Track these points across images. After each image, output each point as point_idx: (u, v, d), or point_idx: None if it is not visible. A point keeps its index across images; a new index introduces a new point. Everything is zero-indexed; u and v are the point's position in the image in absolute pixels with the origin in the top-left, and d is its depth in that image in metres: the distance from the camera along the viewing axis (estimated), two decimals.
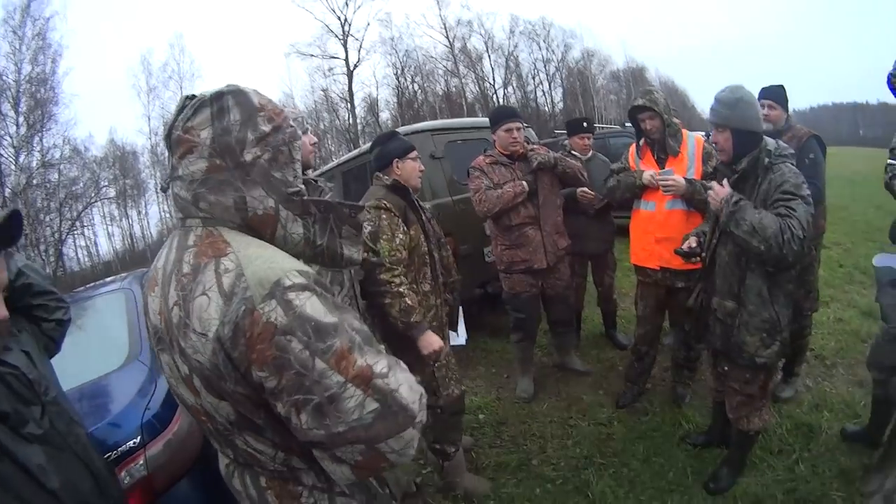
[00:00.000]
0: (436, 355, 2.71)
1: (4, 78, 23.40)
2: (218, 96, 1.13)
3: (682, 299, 3.06)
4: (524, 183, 3.74)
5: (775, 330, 2.46)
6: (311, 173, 2.50)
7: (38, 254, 23.61)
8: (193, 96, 1.15)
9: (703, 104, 36.61)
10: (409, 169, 2.89)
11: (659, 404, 3.71)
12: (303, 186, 1.21)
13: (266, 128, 1.14)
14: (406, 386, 1.07)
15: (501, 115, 3.91)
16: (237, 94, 1.14)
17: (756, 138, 2.46)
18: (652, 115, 3.30)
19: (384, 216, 2.69)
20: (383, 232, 2.66)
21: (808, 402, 3.51)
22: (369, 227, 2.66)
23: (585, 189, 4.28)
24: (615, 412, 3.73)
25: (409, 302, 2.63)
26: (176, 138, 1.12)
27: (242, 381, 1.01)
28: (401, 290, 2.63)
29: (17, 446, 1.35)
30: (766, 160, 2.43)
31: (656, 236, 3.37)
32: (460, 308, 3.35)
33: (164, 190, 1.26)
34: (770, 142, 2.48)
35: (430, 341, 2.68)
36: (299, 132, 1.27)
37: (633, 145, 3.61)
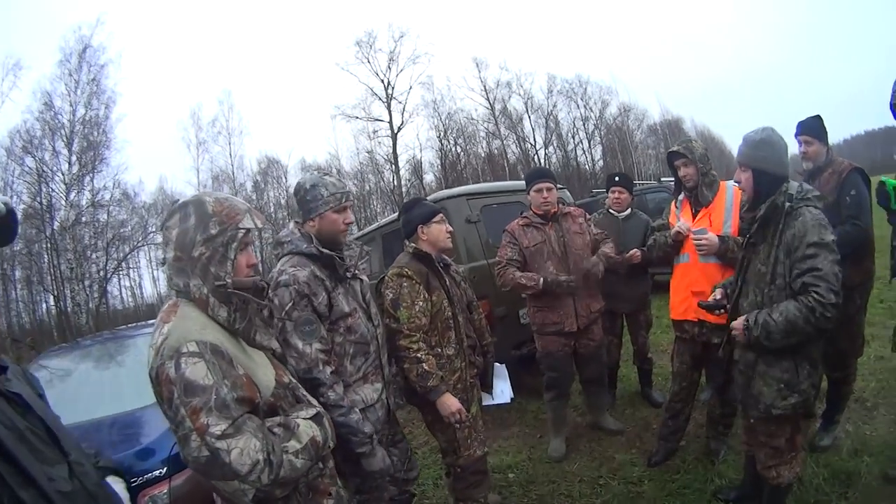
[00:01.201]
0: (454, 417, 2.78)
1: (59, 117, 24.38)
2: (184, 205, 1.62)
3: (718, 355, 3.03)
4: (540, 280, 3.81)
5: (794, 382, 2.41)
6: (350, 239, 2.64)
7: (83, 288, 24.05)
8: (176, 201, 1.68)
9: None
10: (436, 232, 3.00)
11: (692, 461, 3.66)
12: (230, 280, 1.59)
13: (214, 231, 1.58)
14: (238, 451, 1.39)
15: (533, 176, 4.07)
16: (197, 205, 1.61)
17: (777, 181, 2.47)
18: (686, 161, 3.37)
19: (405, 284, 2.80)
20: (403, 300, 2.77)
21: (846, 448, 3.42)
22: (391, 295, 2.79)
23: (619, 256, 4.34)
24: (647, 470, 3.69)
25: (427, 367, 2.73)
26: (161, 233, 1.64)
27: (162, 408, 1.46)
28: (419, 355, 2.73)
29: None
30: (787, 204, 2.40)
31: (693, 289, 3.35)
32: (504, 367, 3.44)
33: (161, 265, 1.66)
34: (793, 185, 2.47)
35: (448, 404, 2.78)
36: (245, 228, 1.67)
37: (674, 201, 3.66)
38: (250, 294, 1.66)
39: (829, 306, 2.20)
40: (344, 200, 2.50)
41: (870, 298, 3.59)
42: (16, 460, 1.32)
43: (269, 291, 2.25)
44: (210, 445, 1.37)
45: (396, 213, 7.04)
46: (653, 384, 5.01)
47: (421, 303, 2.80)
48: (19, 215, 1.56)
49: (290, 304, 2.27)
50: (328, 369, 2.28)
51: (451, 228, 3.10)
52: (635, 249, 4.41)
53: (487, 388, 3.34)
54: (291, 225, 2.57)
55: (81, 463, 1.51)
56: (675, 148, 3.43)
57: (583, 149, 41.93)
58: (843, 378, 3.47)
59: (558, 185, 4.30)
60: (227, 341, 1.56)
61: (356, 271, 2.61)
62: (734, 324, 2.51)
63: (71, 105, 24.66)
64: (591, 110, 41.75)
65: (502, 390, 3.47)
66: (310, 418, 1.69)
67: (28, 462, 1.34)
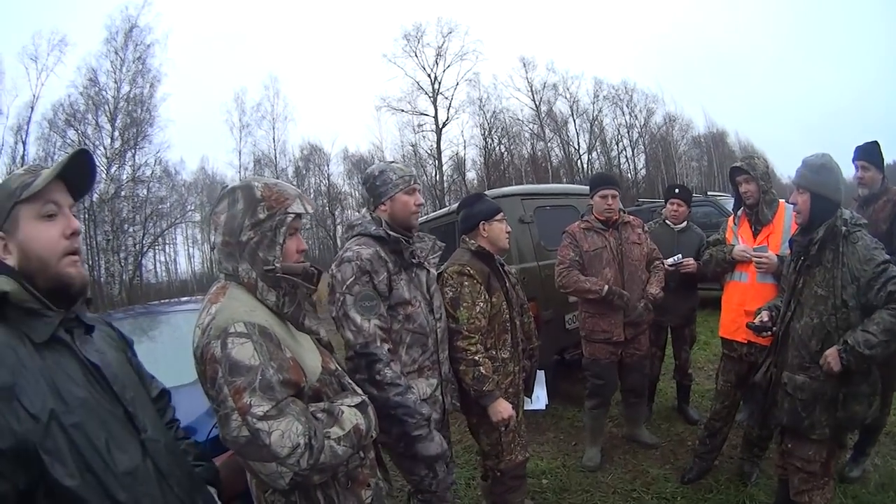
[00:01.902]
0: (504, 423, 2.76)
1: (104, 93, 25.09)
2: (233, 190, 1.64)
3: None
4: (605, 287, 3.80)
5: (875, 391, 2.52)
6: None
7: (118, 260, 24.80)
8: (225, 186, 1.71)
9: (782, 167, 35.08)
10: (497, 231, 2.95)
11: (724, 481, 3.65)
12: (279, 265, 1.60)
13: (262, 215, 1.59)
14: (279, 433, 1.38)
15: (599, 182, 4.08)
16: (245, 189, 1.62)
17: (832, 206, 2.52)
18: (748, 178, 3.33)
19: (466, 283, 2.75)
20: (464, 299, 2.72)
21: (874, 482, 3.41)
22: (451, 293, 2.74)
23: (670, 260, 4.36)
24: (680, 487, 3.69)
25: (483, 371, 2.68)
26: (209, 218, 1.67)
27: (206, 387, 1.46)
28: (476, 358, 2.68)
29: None
30: (844, 228, 2.46)
31: (747, 309, 3.28)
32: (542, 374, 3.43)
33: (211, 249, 1.71)
34: (845, 211, 2.53)
35: (500, 409, 2.73)
36: (294, 213, 1.67)
37: (732, 217, 3.65)
38: (300, 279, 1.64)
39: None
40: (413, 182, 2.52)
41: None
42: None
43: (333, 267, 2.32)
44: (251, 426, 1.37)
45: (445, 209, 7.09)
46: (690, 401, 4.99)
47: (481, 304, 2.76)
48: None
49: (351, 279, 2.26)
50: (385, 346, 2.26)
51: (510, 229, 3.05)
52: (690, 258, 4.38)
53: (529, 392, 3.31)
54: (364, 210, 2.58)
55: (157, 440, 1.42)
56: (737, 164, 3.40)
57: (626, 157, 41.49)
58: (879, 410, 3.42)
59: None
60: (275, 324, 1.55)
61: (425, 262, 2.59)
62: (828, 354, 2.45)
63: (115, 82, 25.43)
64: (637, 118, 41.20)
65: (538, 396, 3.48)
66: (354, 406, 1.66)
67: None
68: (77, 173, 1.36)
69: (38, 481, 1.13)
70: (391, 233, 2.41)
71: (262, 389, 1.40)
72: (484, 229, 2.95)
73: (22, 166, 1.53)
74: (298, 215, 1.67)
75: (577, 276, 3.91)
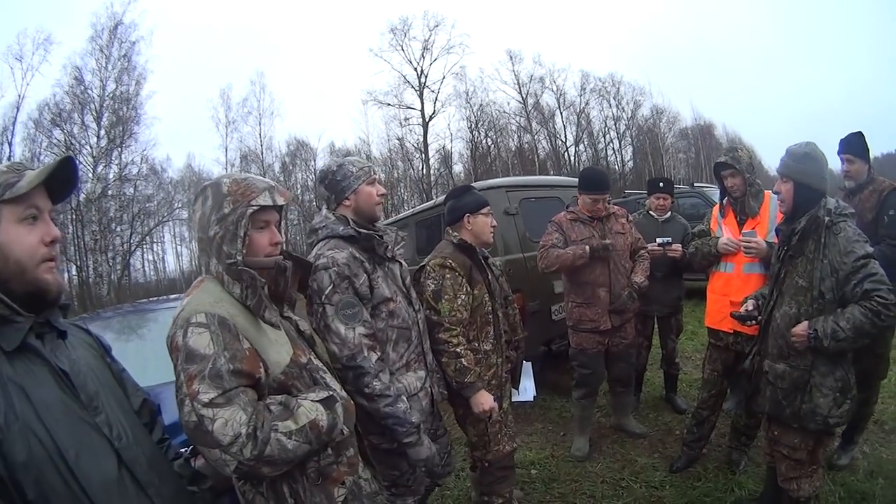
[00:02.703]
0: (486, 414, 2.75)
1: (90, 92, 24.82)
2: (205, 188, 1.69)
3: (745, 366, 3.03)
4: (587, 248, 3.81)
5: (847, 388, 2.48)
6: (380, 223, 2.55)
7: (106, 260, 24.57)
8: (201, 185, 1.77)
9: (770, 160, 35.26)
10: (481, 224, 2.93)
11: (713, 469, 3.68)
12: (240, 258, 1.62)
13: (227, 210, 1.63)
14: (222, 421, 1.41)
15: (591, 186, 4.00)
16: (214, 186, 1.67)
17: (817, 195, 2.52)
18: (734, 172, 3.34)
19: (448, 275, 2.74)
20: (445, 292, 2.71)
21: (863, 469, 3.45)
22: (432, 285, 2.73)
23: (652, 246, 4.38)
24: (668, 476, 3.72)
25: (465, 363, 2.68)
26: (189, 215, 1.82)
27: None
28: (458, 350, 2.68)
29: None
30: (827, 219, 2.46)
31: (732, 299, 3.32)
32: (529, 365, 3.44)
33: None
34: (830, 201, 2.52)
35: (482, 401, 2.72)
36: (262, 203, 1.67)
37: (717, 206, 3.66)
38: (273, 273, 1.70)
39: (892, 306, 2.28)
40: (372, 173, 2.47)
41: None
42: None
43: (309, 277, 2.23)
44: (197, 411, 1.41)
45: (432, 201, 7.08)
46: (677, 390, 5.02)
47: (463, 296, 2.75)
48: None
49: (329, 288, 2.19)
50: (373, 356, 2.20)
51: (495, 223, 3.04)
52: (678, 244, 4.41)
53: (516, 383, 3.31)
54: (324, 211, 2.48)
55: (134, 448, 1.38)
56: (721, 159, 3.40)
57: (613, 149, 41.62)
58: (866, 399, 3.46)
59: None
60: (240, 315, 1.58)
61: (395, 254, 2.53)
62: (796, 329, 2.49)
63: (101, 80, 25.14)
64: (624, 110, 41.28)
65: (526, 388, 3.47)
66: (319, 401, 1.63)
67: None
68: (60, 179, 1.33)
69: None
70: (361, 230, 2.35)
71: (210, 377, 1.43)
72: (469, 222, 2.93)
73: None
74: (263, 207, 1.67)
75: (556, 252, 3.91)
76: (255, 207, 1.64)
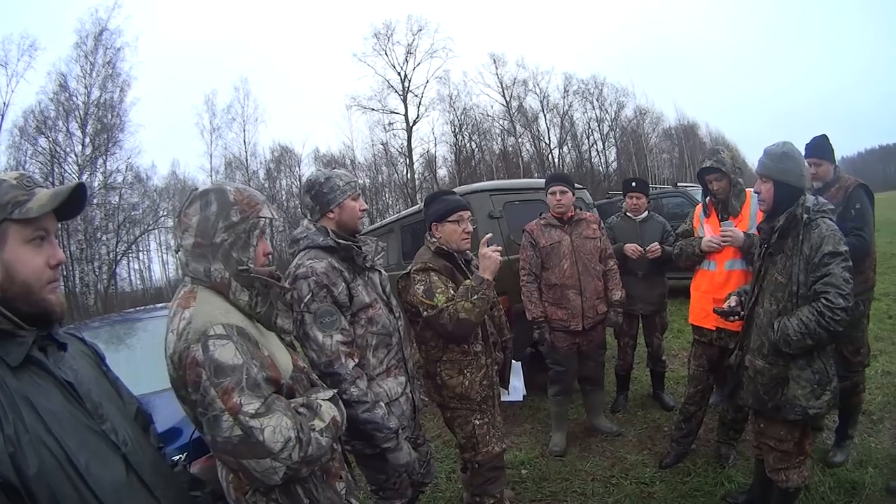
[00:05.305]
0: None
1: (74, 99, 24.60)
2: (205, 193, 1.66)
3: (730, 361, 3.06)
4: (534, 317, 4.14)
5: (825, 380, 2.50)
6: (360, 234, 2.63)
7: (92, 269, 24.38)
8: (195, 189, 1.71)
9: (753, 158, 35.66)
10: (449, 232, 2.91)
11: (702, 464, 3.71)
12: (252, 265, 1.65)
13: (236, 218, 1.64)
14: (271, 429, 1.42)
15: (549, 180, 4.25)
16: (218, 192, 1.66)
17: (796, 193, 2.55)
18: (719, 175, 3.40)
19: (433, 275, 2.78)
20: (437, 286, 2.74)
21: (852, 459, 3.49)
22: (422, 287, 2.75)
23: (635, 245, 4.48)
24: (658, 472, 3.75)
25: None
26: (177, 219, 1.66)
27: (185, 392, 1.48)
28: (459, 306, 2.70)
29: None
30: (805, 216, 2.49)
31: (715, 296, 3.37)
32: (519, 365, 3.46)
33: (176, 251, 1.71)
34: (809, 198, 2.55)
35: None
36: (265, 217, 1.73)
37: (700, 206, 3.70)
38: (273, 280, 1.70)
39: (839, 310, 2.30)
40: (356, 189, 2.53)
41: (879, 314, 3.64)
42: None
43: (287, 285, 2.23)
44: (244, 424, 1.39)
45: (417, 206, 7.06)
46: (664, 387, 5.05)
47: (451, 291, 2.76)
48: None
49: (308, 296, 2.24)
50: (350, 363, 2.26)
51: (470, 229, 2.98)
52: (655, 243, 4.50)
53: (505, 383, 3.33)
54: (305, 222, 2.54)
55: (139, 452, 1.39)
56: (707, 164, 3.43)
57: (597, 150, 41.91)
58: (853, 388, 3.50)
59: (578, 186, 4.36)
60: (248, 325, 1.59)
61: (374, 264, 2.58)
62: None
63: (86, 87, 24.94)
64: (607, 112, 41.70)
65: (515, 387, 3.47)
66: (328, 399, 1.72)
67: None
68: (68, 203, 1.33)
69: None
70: (340, 241, 2.40)
71: (249, 388, 1.43)
72: (437, 230, 2.95)
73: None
74: (268, 220, 1.73)
75: (529, 292, 4.19)
76: (264, 219, 1.70)
